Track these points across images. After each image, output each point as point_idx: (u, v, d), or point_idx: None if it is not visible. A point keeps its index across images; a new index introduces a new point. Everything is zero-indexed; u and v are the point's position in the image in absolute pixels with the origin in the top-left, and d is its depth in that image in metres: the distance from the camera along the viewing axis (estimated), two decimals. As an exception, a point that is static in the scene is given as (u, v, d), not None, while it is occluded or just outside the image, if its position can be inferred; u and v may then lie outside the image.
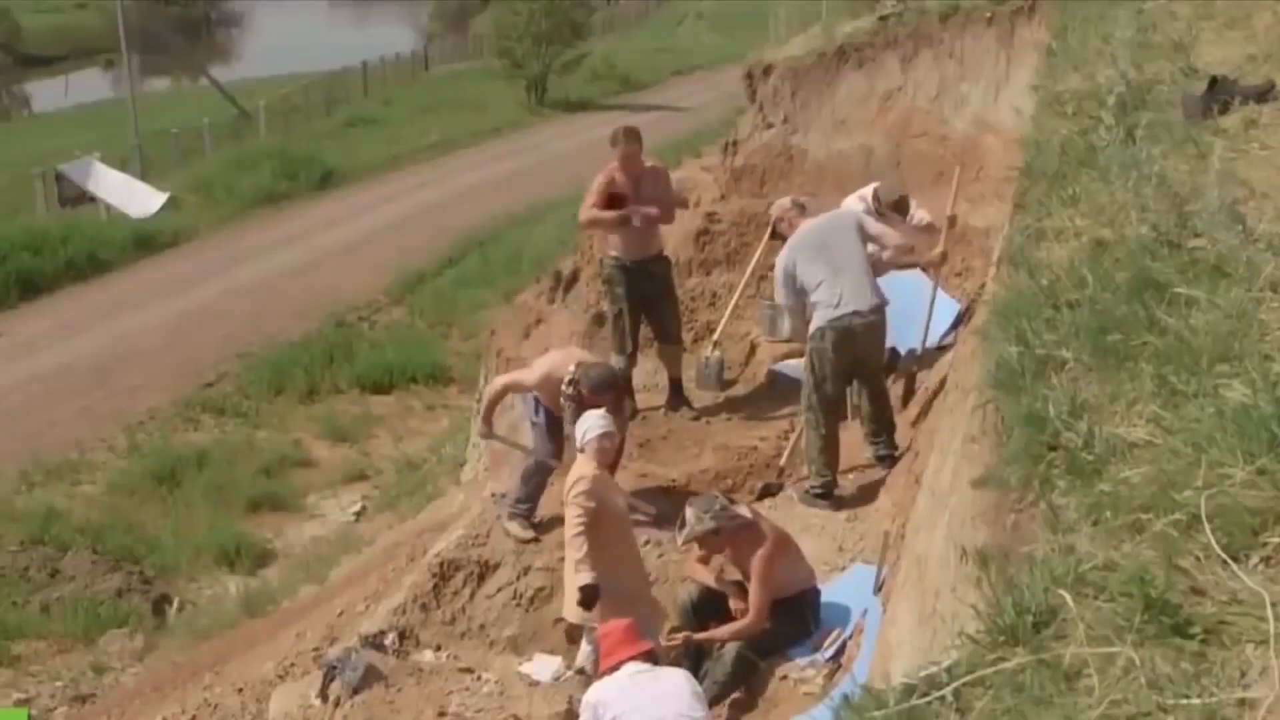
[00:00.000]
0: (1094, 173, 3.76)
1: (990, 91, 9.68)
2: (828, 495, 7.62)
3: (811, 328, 7.50)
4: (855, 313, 7.37)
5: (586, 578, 6.40)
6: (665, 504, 7.98)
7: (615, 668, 5.43)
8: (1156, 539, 2.06)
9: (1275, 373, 2.33)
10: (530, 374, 7.78)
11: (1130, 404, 2.55)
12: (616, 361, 9.01)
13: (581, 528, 6.45)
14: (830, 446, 7.60)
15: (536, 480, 7.83)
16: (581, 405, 7.31)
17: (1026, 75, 7.75)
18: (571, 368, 7.47)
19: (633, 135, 8.59)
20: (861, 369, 7.63)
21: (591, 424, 6.69)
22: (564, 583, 6.96)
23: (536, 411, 7.75)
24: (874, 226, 7.83)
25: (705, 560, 6.75)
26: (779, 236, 8.10)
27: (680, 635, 6.40)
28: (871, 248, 7.75)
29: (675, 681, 5.46)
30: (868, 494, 7.68)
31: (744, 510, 6.54)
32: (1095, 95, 4.44)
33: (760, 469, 8.21)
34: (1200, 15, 5.30)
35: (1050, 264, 3.32)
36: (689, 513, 6.40)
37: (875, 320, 7.49)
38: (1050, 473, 2.52)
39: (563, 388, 7.44)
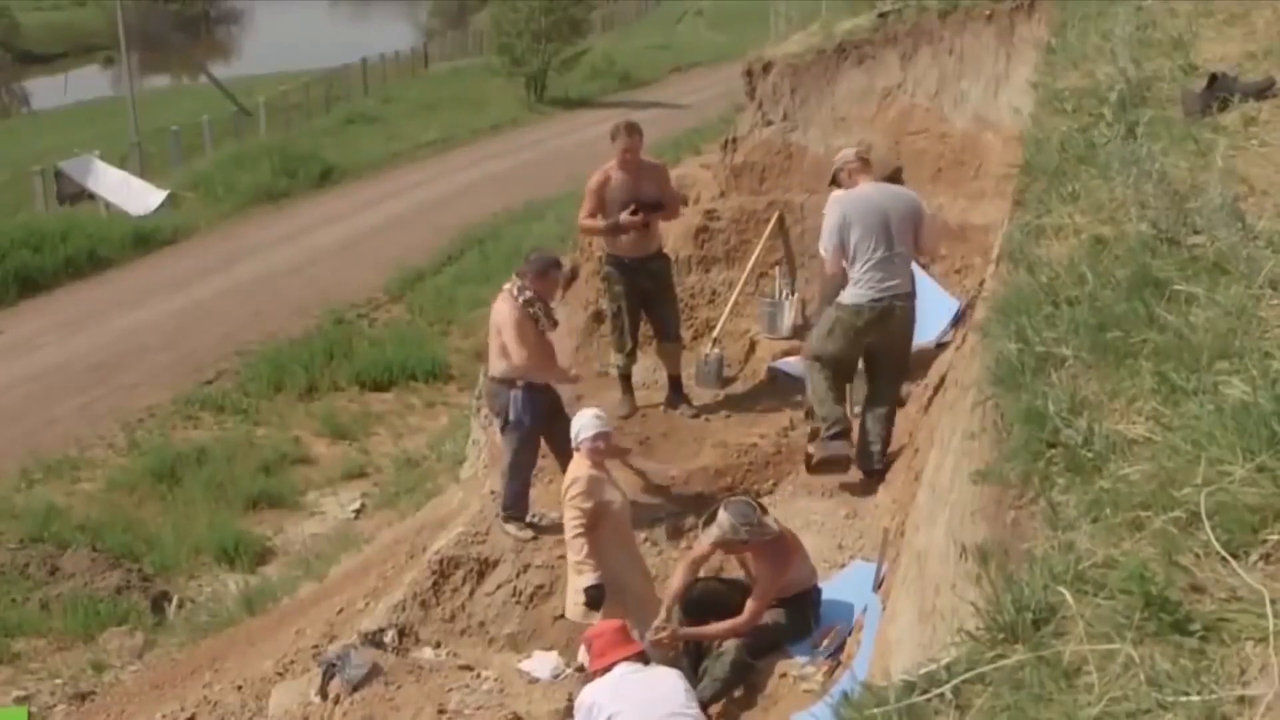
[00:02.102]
0: (1094, 170, 3.76)
1: (990, 89, 9.67)
2: (844, 435, 7.57)
3: (847, 299, 7.39)
4: (896, 296, 7.35)
5: (590, 579, 6.40)
6: (663, 501, 8.00)
7: (607, 668, 5.44)
8: (1156, 536, 2.06)
9: (1275, 370, 2.33)
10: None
11: (1130, 401, 2.55)
12: (616, 359, 9.03)
13: (580, 529, 6.46)
14: (836, 386, 7.54)
15: (518, 483, 7.78)
16: (538, 296, 7.49)
17: (1026, 72, 7.74)
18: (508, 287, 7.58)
19: (633, 129, 8.58)
20: (887, 357, 7.54)
21: (586, 423, 6.69)
22: (565, 581, 6.97)
23: (523, 407, 7.57)
24: (930, 225, 7.65)
25: (700, 562, 6.73)
26: (836, 185, 7.78)
27: (668, 632, 6.34)
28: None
29: (668, 681, 5.47)
30: (868, 490, 7.68)
31: (772, 522, 6.48)
32: (1095, 92, 4.44)
33: (760, 466, 8.21)
34: (1200, 12, 5.30)
35: (1050, 261, 3.32)
36: (724, 517, 6.30)
37: (911, 307, 7.48)
38: (1050, 469, 2.51)
39: (514, 294, 7.49)
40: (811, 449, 7.80)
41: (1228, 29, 5.03)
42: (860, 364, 7.73)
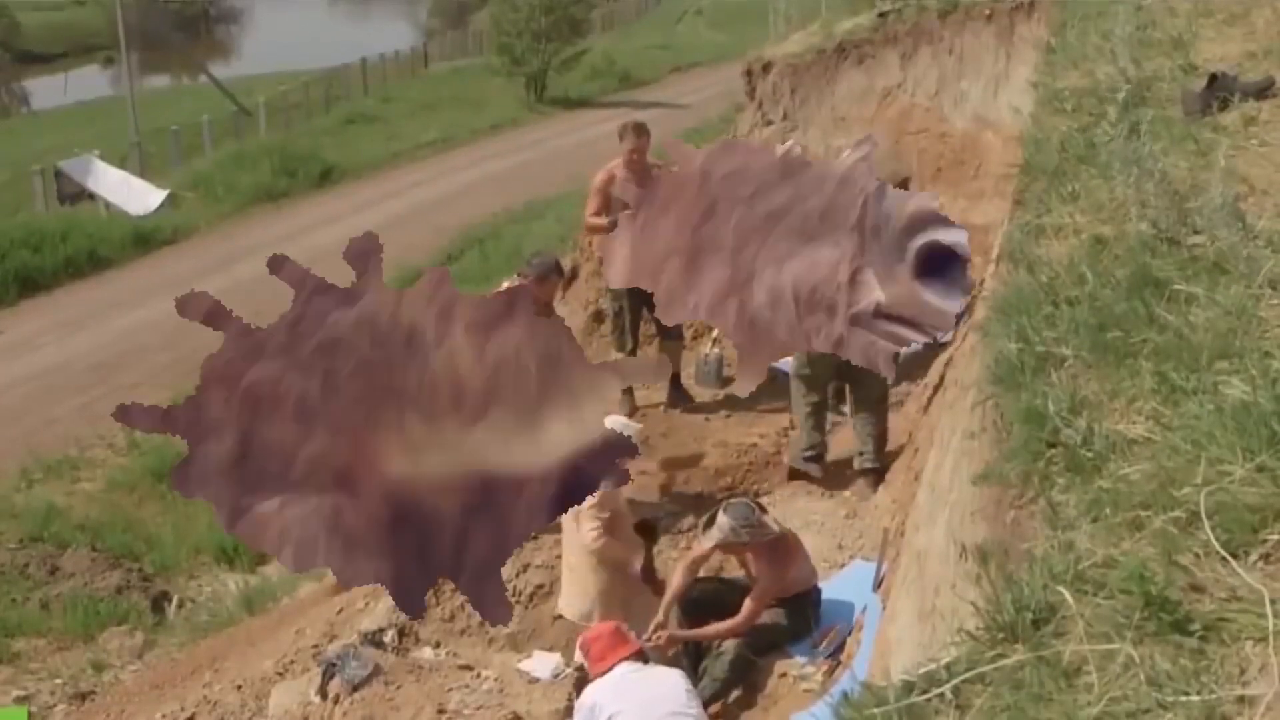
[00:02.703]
0: (1094, 169, 3.76)
1: (990, 88, 9.68)
2: (818, 459, 7.66)
3: None
4: None
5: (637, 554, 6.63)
6: (664, 501, 8.00)
7: (608, 669, 5.43)
8: (1156, 536, 2.06)
9: (1275, 369, 2.33)
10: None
11: (1130, 401, 2.54)
12: (616, 359, 9.04)
13: (599, 538, 6.52)
14: (816, 413, 7.65)
15: None
16: (535, 300, 7.45)
17: (1026, 72, 7.74)
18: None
19: (641, 130, 8.57)
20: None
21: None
22: (563, 580, 6.98)
23: None
24: None
25: (700, 563, 6.73)
26: None
27: (664, 634, 6.32)
28: None
29: (670, 681, 5.46)
30: (867, 491, 7.67)
31: (772, 523, 6.48)
32: (1095, 92, 4.44)
33: (760, 466, 8.21)
34: (1200, 11, 5.30)
35: (1050, 261, 3.32)
36: (724, 519, 6.29)
37: None
38: (1050, 469, 2.51)
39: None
40: (785, 455, 8.04)
41: (1228, 29, 5.03)
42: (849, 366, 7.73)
